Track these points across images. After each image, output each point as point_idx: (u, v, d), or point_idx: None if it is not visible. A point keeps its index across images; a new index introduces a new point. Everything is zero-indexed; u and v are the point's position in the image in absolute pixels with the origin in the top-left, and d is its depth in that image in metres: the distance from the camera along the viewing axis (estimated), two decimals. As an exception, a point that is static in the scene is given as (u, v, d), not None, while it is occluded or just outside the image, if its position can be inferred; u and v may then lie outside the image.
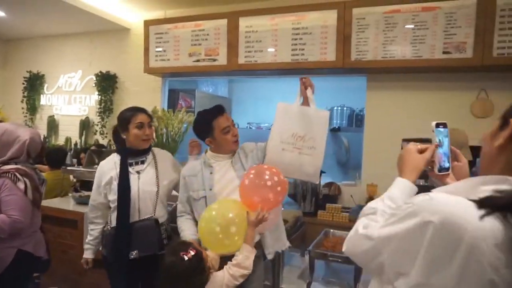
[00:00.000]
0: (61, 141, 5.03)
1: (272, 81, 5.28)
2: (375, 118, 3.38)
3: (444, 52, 2.92)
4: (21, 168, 1.93)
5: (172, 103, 4.83)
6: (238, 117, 5.63)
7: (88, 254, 2.10)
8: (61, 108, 5.10)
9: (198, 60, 3.74)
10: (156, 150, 2.18)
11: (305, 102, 1.88)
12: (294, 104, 1.87)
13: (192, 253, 1.37)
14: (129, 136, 2.04)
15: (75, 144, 4.81)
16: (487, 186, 0.75)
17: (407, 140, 2.01)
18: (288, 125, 1.82)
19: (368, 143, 3.41)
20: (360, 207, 3.20)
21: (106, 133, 4.72)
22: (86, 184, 3.30)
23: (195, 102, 5.07)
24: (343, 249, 0.97)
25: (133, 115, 2.04)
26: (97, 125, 4.74)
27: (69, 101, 5.05)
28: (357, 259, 0.92)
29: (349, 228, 2.70)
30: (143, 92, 4.55)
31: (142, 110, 2.10)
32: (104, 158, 3.62)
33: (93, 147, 4.11)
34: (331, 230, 2.37)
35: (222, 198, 1.80)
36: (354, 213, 3.16)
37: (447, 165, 1.04)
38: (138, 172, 2.03)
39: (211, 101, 5.44)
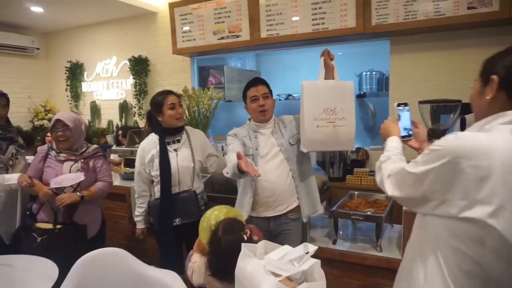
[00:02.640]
0: (103, 124, 5.42)
1: (298, 52, 5.28)
2: (399, 81, 3.38)
3: (468, 8, 2.84)
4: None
5: (203, 81, 5.02)
6: (267, 90, 5.72)
7: (141, 225, 2.37)
8: (101, 93, 5.46)
9: (222, 38, 3.87)
10: (189, 129, 2.40)
11: (329, 74, 1.96)
12: (318, 79, 1.95)
13: (249, 232, 1.37)
14: (164, 117, 2.27)
15: (117, 126, 5.17)
16: (491, 123, 0.98)
17: (424, 102, 2.08)
18: (317, 101, 1.89)
19: (394, 107, 3.42)
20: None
21: (143, 114, 5.03)
22: (130, 162, 3.61)
23: (224, 78, 5.22)
24: (389, 193, 1.14)
25: (165, 98, 2.28)
26: (135, 107, 5.05)
27: (107, 87, 5.39)
28: (403, 193, 1.09)
29: (376, 191, 2.83)
30: (174, 73, 4.77)
31: (171, 92, 2.34)
32: (143, 138, 3.94)
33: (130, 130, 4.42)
34: (356, 192, 2.50)
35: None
36: (381, 176, 3.25)
37: (405, 133, 1.43)
38: (175, 150, 2.28)
39: (240, 75, 5.56)
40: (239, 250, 0.98)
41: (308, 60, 5.31)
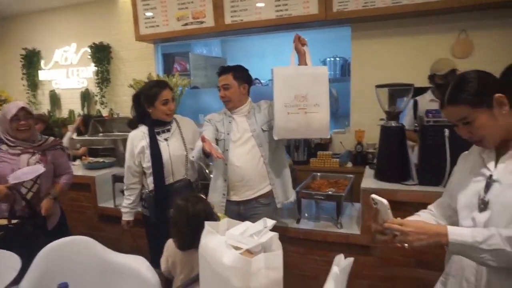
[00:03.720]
0: (64, 114, 5.24)
1: (264, 38, 5.31)
2: (360, 67, 3.51)
3: (423, -4, 2.98)
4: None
5: (168, 68, 4.94)
6: (234, 76, 5.73)
7: (127, 217, 2.30)
8: (61, 82, 5.25)
9: (186, 24, 3.83)
10: (178, 117, 2.32)
11: (302, 60, 1.93)
12: (290, 65, 1.91)
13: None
14: (155, 111, 2.17)
15: (78, 115, 5.01)
16: None
17: (381, 86, 2.19)
18: (288, 88, 1.85)
19: (355, 92, 3.57)
20: (349, 152, 3.43)
21: (106, 103, 4.90)
22: (94, 152, 3.54)
23: (190, 65, 5.17)
24: None
25: (159, 92, 2.14)
26: (97, 95, 4.91)
27: (67, 75, 5.19)
28: None
29: (338, 172, 2.93)
30: (138, 60, 4.67)
31: (166, 86, 2.20)
32: (106, 127, 3.84)
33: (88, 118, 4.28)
34: (318, 174, 2.61)
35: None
36: (343, 158, 3.39)
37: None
38: (166, 140, 2.20)
39: (206, 62, 5.52)
40: (203, 218, 1.03)
41: (274, 46, 5.39)
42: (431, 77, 2.68)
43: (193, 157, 2.00)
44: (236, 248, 0.92)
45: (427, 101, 2.65)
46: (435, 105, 2.54)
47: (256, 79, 5.17)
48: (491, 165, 1.08)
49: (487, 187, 1.06)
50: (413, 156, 2.28)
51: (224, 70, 2.10)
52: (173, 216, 1.50)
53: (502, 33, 3.06)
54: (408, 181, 2.10)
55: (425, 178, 2.03)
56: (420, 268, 2.04)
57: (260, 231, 0.96)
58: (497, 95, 0.99)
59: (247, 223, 1.01)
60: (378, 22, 3.36)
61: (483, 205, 1.06)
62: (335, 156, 3.40)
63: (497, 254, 0.96)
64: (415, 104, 2.55)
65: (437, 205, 1.30)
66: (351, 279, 2.13)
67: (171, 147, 2.19)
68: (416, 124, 2.35)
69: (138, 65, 4.62)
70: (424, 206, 1.36)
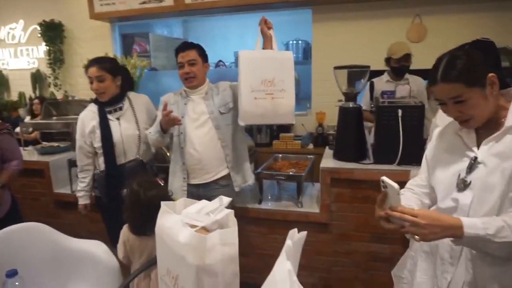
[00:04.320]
0: (14, 96, 4.91)
1: (227, 19, 5.22)
2: (321, 50, 3.55)
3: (380, -20, 3.04)
4: None
5: (127, 49, 4.75)
6: (196, 58, 5.61)
7: (83, 200, 2.22)
8: (8, 62, 4.90)
9: (144, 2, 3.67)
10: (132, 95, 2.22)
11: (268, 43, 1.87)
12: (256, 49, 1.86)
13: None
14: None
15: (30, 99, 4.73)
16: None
17: (339, 68, 2.23)
18: (255, 72, 1.80)
19: (316, 74, 3.62)
20: (311, 134, 3.50)
21: (60, 85, 4.65)
22: (47, 136, 3.37)
23: (150, 46, 4.99)
24: None
25: (86, 71, 2.07)
26: (50, 77, 4.64)
27: (15, 54, 4.85)
28: None
29: (300, 153, 2.98)
30: (94, 40, 4.44)
31: (93, 64, 2.07)
32: (61, 110, 3.66)
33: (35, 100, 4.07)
34: (280, 155, 2.64)
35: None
36: (305, 140, 3.45)
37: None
38: (118, 119, 2.12)
39: (167, 43, 5.35)
40: (156, 204, 1.01)
41: (237, 28, 5.32)
42: (387, 60, 2.77)
43: (150, 132, 1.98)
44: (192, 226, 0.92)
45: (384, 82, 2.75)
46: (391, 86, 2.64)
47: (220, 61, 5.10)
48: (474, 145, 1.06)
49: (470, 168, 1.04)
50: (371, 137, 2.37)
51: (188, 45, 2.00)
52: (125, 200, 1.47)
53: (454, 18, 3.21)
54: (365, 160, 2.18)
55: (380, 157, 2.11)
56: (375, 242, 2.14)
57: (216, 209, 0.97)
58: (490, 74, 0.98)
59: (204, 202, 1.01)
60: (337, 5, 3.40)
61: (463, 185, 1.04)
62: (297, 138, 3.46)
63: (506, 245, 0.94)
64: (371, 85, 2.63)
65: (416, 185, 1.25)
66: (311, 255, 2.23)
67: (123, 126, 2.12)
68: (373, 105, 2.43)
69: (94, 45, 4.39)
70: (379, 183, 1.41)
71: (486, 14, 3.10)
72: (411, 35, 3.30)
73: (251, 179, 2.17)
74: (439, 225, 0.96)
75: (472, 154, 1.05)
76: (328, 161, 2.23)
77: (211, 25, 5.66)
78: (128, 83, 2.24)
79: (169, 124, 1.89)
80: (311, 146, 3.42)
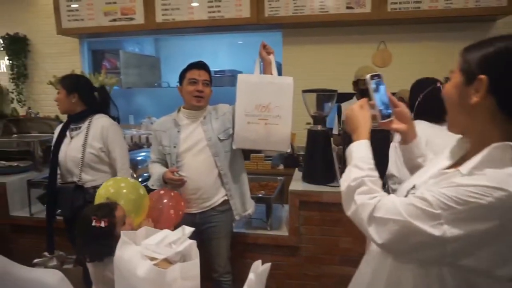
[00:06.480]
0: (-28, 112, 4.66)
1: (199, 38, 5.25)
2: (291, 72, 3.59)
3: (347, 7, 3.17)
4: None
5: (97, 65, 4.65)
6: (167, 76, 5.57)
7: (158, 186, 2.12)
8: (-33, 76, 4.67)
9: (114, 20, 3.63)
10: (96, 117, 2.11)
11: (267, 69, 1.84)
12: (255, 74, 1.84)
13: (103, 225, 1.32)
14: None
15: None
16: None
17: (307, 91, 2.27)
18: (251, 96, 1.78)
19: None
20: (281, 155, 3.51)
21: (24, 101, 4.47)
22: (5, 155, 3.19)
23: (121, 63, 4.92)
24: (378, 242, 0.80)
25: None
26: (12, 92, 4.44)
27: (-25, 68, 4.63)
28: (405, 247, 0.78)
29: (272, 174, 2.98)
30: (61, 55, 4.31)
31: (61, 80, 2.16)
32: (21, 128, 3.51)
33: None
34: (250, 177, 2.62)
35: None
36: (275, 161, 3.46)
37: (388, 111, 1.02)
38: (72, 138, 2.08)
39: (138, 61, 5.29)
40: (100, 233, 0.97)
41: (210, 46, 5.34)
42: (355, 83, 2.85)
43: (152, 185, 1.95)
44: (152, 258, 0.88)
45: (351, 106, 2.81)
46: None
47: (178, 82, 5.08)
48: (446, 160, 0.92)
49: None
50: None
51: (205, 65, 1.96)
52: (77, 228, 1.41)
53: (417, 45, 3.37)
54: (334, 183, 2.20)
55: (348, 180, 2.13)
56: (344, 265, 2.14)
57: (178, 239, 0.93)
58: (482, 76, 0.76)
59: (166, 231, 0.98)
60: (307, 29, 3.50)
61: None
62: (268, 159, 3.46)
63: (344, 197, 0.95)
64: (339, 109, 2.69)
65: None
66: (281, 279, 2.20)
67: (70, 146, 2.08)
68: (340, 129, 2.48)
69: (61, 61, 4.27)
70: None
71: (449, 42, 3.27)
72: (377, 60, 3.43)
73: (251, 208, 2.07)
74: (354, 122, 1.01)
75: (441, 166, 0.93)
76: (297, 184, 2.24)
77: (183, 43, 5.67)
78: (94, 104, 2.18)
79: (175, 186, 1.89)
80: (281, 167, 3.43)
